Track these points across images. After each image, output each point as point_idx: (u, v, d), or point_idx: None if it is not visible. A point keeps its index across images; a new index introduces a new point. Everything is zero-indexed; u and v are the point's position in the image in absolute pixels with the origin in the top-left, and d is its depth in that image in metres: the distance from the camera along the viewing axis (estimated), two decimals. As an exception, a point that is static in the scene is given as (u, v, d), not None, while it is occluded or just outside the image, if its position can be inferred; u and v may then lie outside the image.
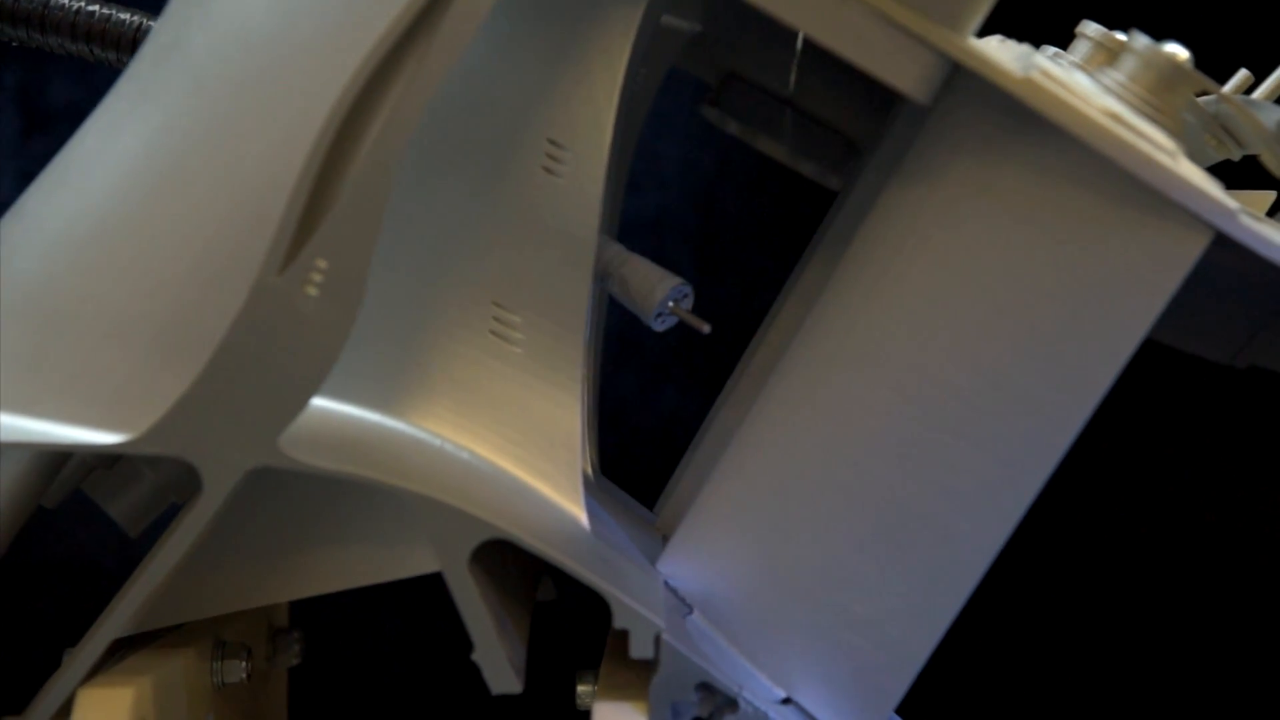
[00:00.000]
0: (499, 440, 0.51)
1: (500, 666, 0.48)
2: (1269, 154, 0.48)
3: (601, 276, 0.54)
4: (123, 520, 0.57)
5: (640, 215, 1.02)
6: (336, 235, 0.45)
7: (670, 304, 0.53)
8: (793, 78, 0.74)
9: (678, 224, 1.04)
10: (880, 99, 0.65)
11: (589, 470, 0.58)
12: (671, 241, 1.04)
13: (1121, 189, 0.46)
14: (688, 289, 0.53)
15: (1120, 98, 0.48)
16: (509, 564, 0.53)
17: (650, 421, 1.01)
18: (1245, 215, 0.45)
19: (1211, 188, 0.45)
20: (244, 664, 0.58)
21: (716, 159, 1.03)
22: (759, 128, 0.79)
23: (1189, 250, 0.46)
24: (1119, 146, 0.44)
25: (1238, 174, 0.62)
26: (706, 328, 0.53)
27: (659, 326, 0.54)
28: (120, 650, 0.53)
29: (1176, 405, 0.95)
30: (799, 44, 0.70)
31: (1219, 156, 0.57)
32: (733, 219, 1.03)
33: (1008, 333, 0.48)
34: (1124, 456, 0.95)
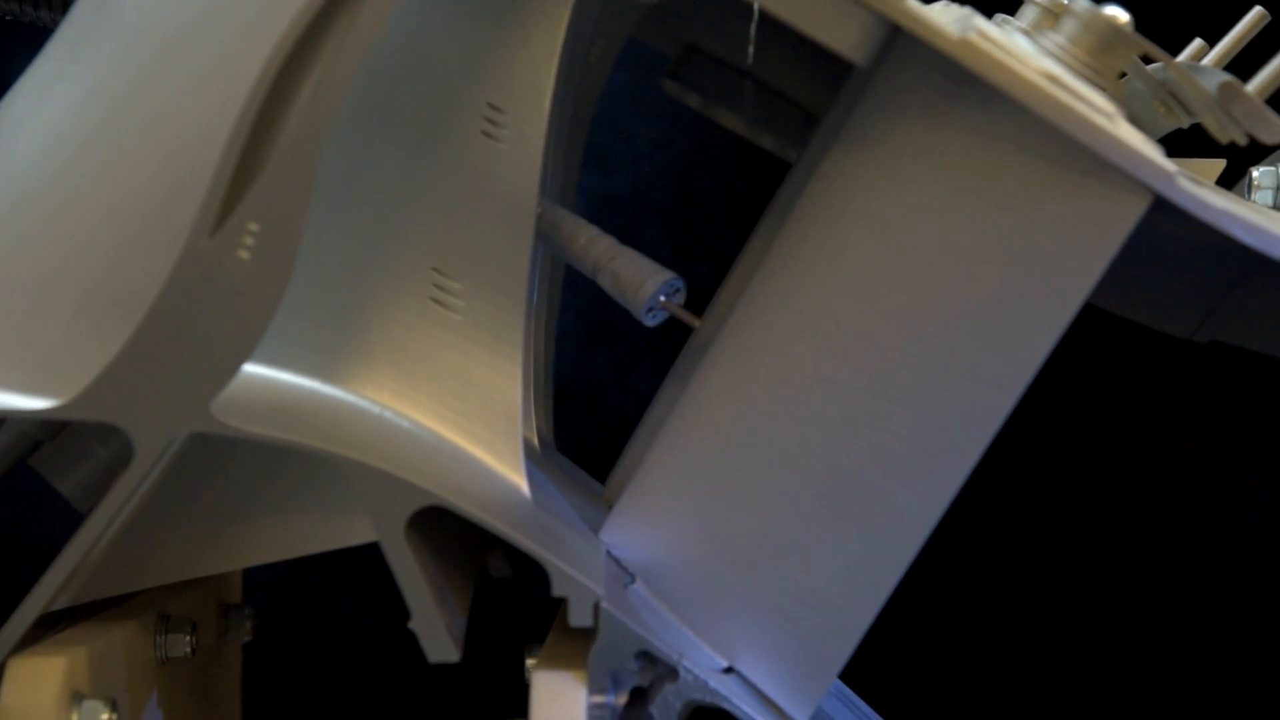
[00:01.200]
0: (439, 408, 0.50)
1: (437, 635, 0.48)
2: (1211, 119, 0.48)
3: (593, 271, 0.54)
4: (74, 497, 0.56)
5: (613, 195, 1.02)
6: (268, 198, 0.44)
7: (661, 299, 0.53)
8: (751, 50, 0.74)
9: (651, 204, 1.03)
10: (840, 71, 0.64)
11: (535, 441, 0.57)
12: (645, 222, 1.03)
13: (1060, 152, 0.45)
14: (679, 284, 0.53)
15: (1060, 60, 0.48)
16: (452, 534, 0.52)
17: (624, 402, 1.01)
18: (1183, 178, 0.45)
19: (1150, 150, 0.45)
20: (188, 638, 0.58)
21: (690, 139, 1.03)
22: (719, 101, 0.79)
23: (1128, 214, 0.46)
24: (1055, 108, 0.44)
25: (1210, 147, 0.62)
26: (698, 323, 0.53)
27: (650, 321, 0.53)
28: (64, 623, 0.52)
29: (1137, 380, 0.95)
30: (755, 14, 0.69)
31: (1170, 125, 0.57)
32: (706, 199, 1.02)
33: (948, 298, 0.47)
34: (1082, 433, 0.95)
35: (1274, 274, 0.68)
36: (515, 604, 0.75)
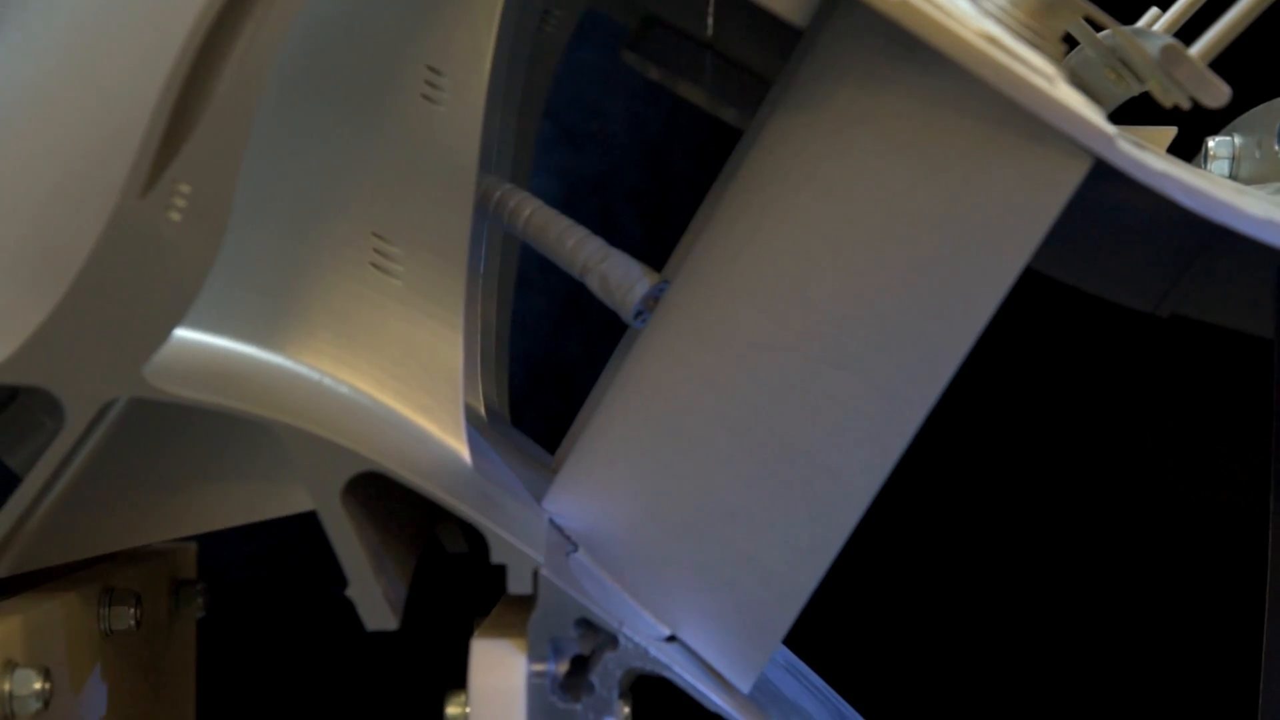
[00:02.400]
0: (380, 374, 0.50)
1: (375, 603, 0.48)
2: (1155, 83, 0.47)
3: (581, 273, 0.54)
4: (24, 472, 0.56)
5: (584, 174, 1.01)
6: (199, 158, 0.44)
7: (651, 301, 0.52)
8: (710, 20, 0.73)
9: (623, 183, 1.03)
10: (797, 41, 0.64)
11: (482, 411, 0.57)
12: (617, 201, 1.03)
13: (1001, 115, 0.45)
14: (666, 286, 0.52)
15: (1000, 21, 0.47)
16: (397, 503, 0.52)
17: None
18: (1123, 141, 0.44)
19: (1089, 112, 0.44)
20: (133, 611, 0.57)
21: (663, 116, 1.02)
22: (679, 73, 0.78)
23: (1068, 177, 0.45)
24: (993, 69, 0.44)
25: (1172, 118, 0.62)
26: None
27: (638, 324, 0.53)
28: (5, 593, 0.52)
29: (1099, 354, 0.94)
30: (711, -16, 0.69)
31: (1123, 93, 0.56)
32: (680, 178, 1.02)
33: (891, 263, 0.47)
34: (1047, 408, 0.95)
35: (1230, 245, 0.68)
36: (478, 580, 0.75)
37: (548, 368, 1.01)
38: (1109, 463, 0.95)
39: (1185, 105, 0.47)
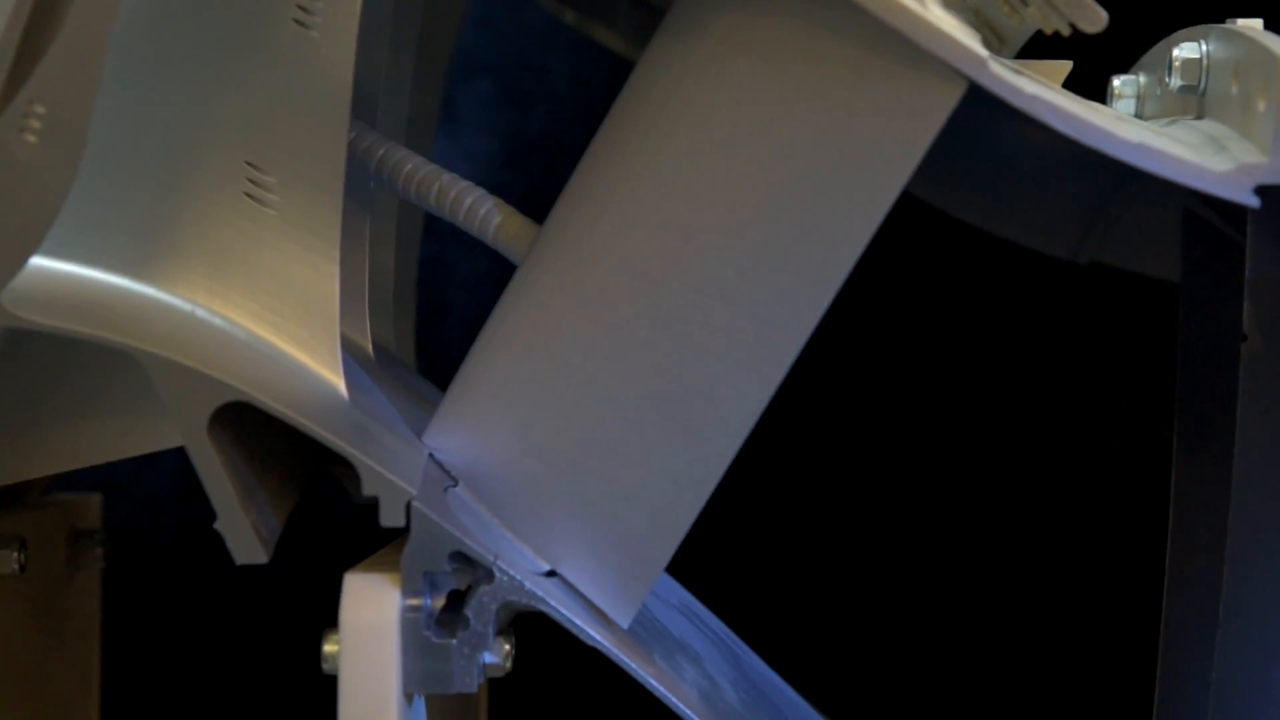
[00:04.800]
0: (254, 306, 0.49)
1: (244, 537, 0.47)
2: (1035, 9, 0.47)
3: (466, 224, 0.52)
4: None
5: (529, 134, 1.00)
6: (53, 79, 0.43)
7: None
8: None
9: (568, 144, 1.02)
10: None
11: (369, 348, 0.56)
12: (561, 163, 1.02)
13: (875, 39, 0.45)
14: None
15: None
16: (275, 438, 0.51)
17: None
18: (996, 64, 0.44)
19: (962, 36, 0.44)
20: (16, 555, 0.57)
21: (606, 76, 1.01)
22: (595, 17, 0.78)
23: (942, 102, 0.45)
24: (864, -10, 0.43)
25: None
26: None
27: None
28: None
29: (1020, 303, 0.94)
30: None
31: (1018, 24, 0.56)
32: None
33: (767, 191, 0.47)
34: (968, 358, 0.95)
35: (1141, 187, 0.67)
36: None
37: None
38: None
39: (1065, 31, 0.46)
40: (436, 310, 0.97)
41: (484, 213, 0.51)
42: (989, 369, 0.95)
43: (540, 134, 1.01)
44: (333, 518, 0.82)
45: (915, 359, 0.95)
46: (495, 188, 0.53)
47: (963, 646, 0.94)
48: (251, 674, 0.94)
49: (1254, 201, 0.45)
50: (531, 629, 0.52)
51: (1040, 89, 0.44)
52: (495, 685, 0.54)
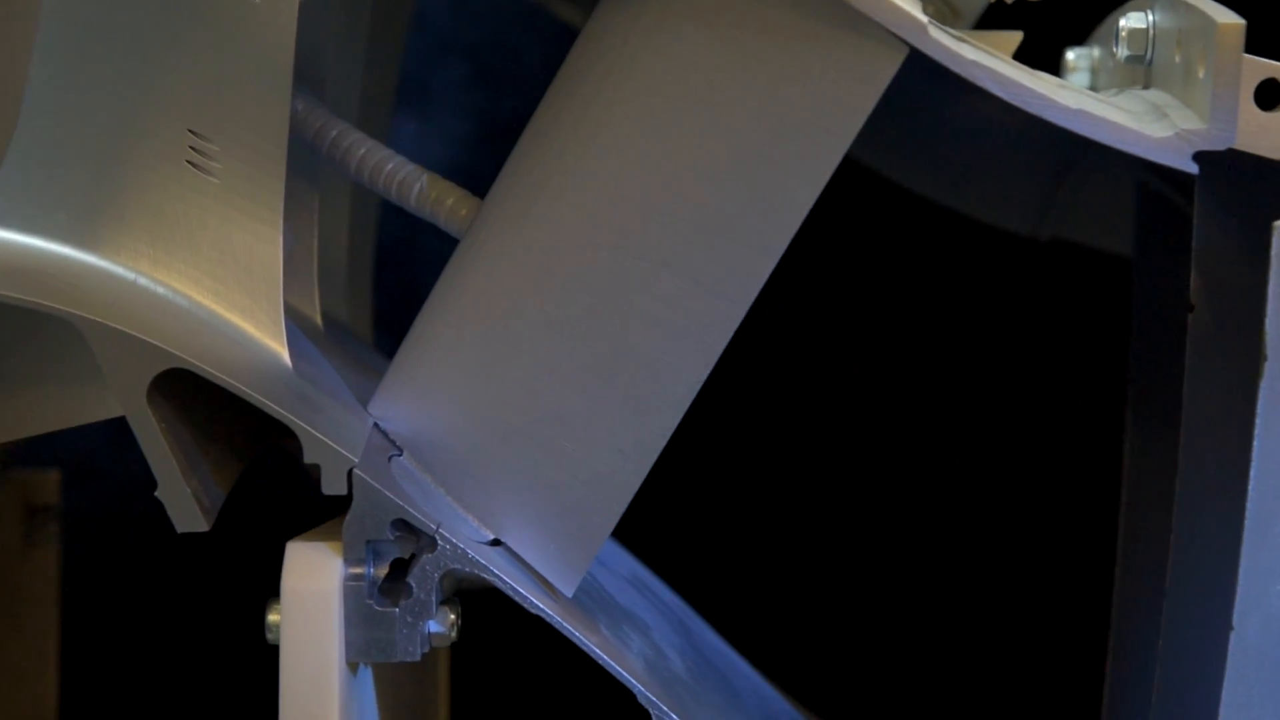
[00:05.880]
0: (197, 274, 0.49)
1: (184, 505, 0.47)
2: (980, -27, 0.47)
3: (416, 206, 0.52)
4: None
5: (500, 118, 1.00)
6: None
7: None
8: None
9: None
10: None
11: (317, 319, 0.56)
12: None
13: (815, 4, 0.45)
14: None
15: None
16: (219, 407, 0.51)
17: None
18: (936, 29, 0.44)
19: (902, 1, 0.44)
20: (-42, 528, 0.56)
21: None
22: (556, -5, 0.77)
23: (884, 68, 0.45)
24: (802, -47, 0.43)
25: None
26: None
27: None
28: None
29: (981, 280, 0.94)
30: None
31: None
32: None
33: (709, 158, 0.47)
34: (931, 337, 0.94)
35: (1097, 162, 0.67)
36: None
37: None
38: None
39: (1009, -3, 0.46)
40: (406, 290, 0.97)
41: (419, 188, 0.51)
42: (951, 347, 0.95)
43: (514, 115, 1.00)
44: (295, 492, 0.82)
45: (877, 337, 0.95)
46: (466, 169, 0.53)
47: (918, 619, 0.94)
48: (206, 646, 0.94)
49: (1192, 168, 0.45)
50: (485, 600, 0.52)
51: (980, 55, 0.44)
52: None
